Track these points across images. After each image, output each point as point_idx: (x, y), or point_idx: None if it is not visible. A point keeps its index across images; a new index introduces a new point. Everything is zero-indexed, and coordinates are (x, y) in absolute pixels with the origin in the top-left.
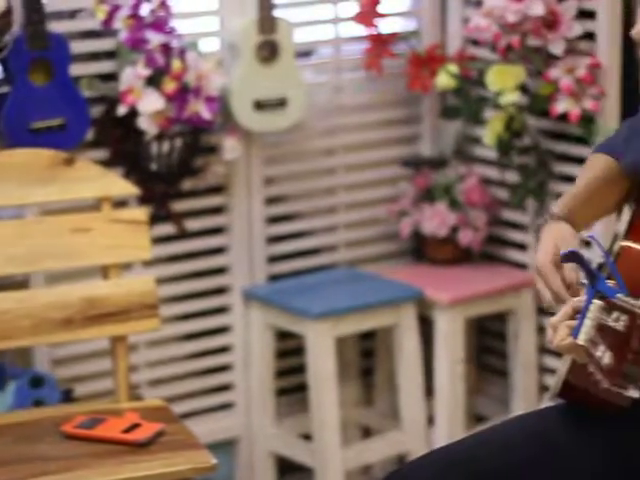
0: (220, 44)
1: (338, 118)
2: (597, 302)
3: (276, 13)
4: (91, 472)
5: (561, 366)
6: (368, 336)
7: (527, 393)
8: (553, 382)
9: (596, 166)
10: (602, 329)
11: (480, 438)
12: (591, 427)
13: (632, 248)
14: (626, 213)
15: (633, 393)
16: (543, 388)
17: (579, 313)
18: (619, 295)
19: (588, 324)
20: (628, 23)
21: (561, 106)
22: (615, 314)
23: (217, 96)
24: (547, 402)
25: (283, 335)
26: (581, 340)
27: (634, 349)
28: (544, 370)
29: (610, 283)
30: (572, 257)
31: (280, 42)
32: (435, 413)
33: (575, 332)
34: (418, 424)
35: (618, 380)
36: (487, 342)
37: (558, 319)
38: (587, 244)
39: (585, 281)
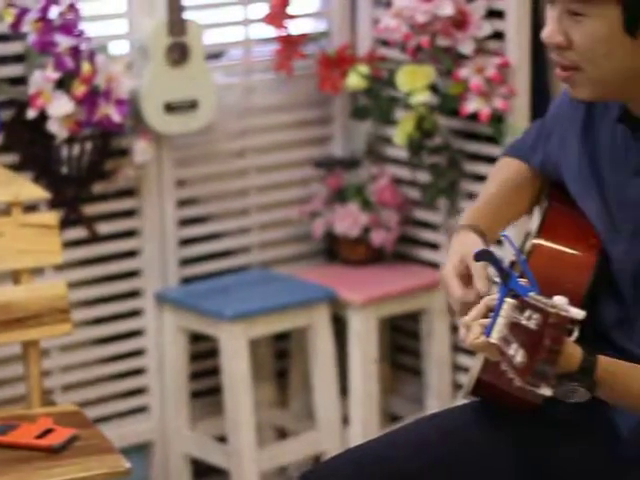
0: (129, 47)
1: (249, 119)
2: (510, 301)
3: (186, 15)
4: (4, 478)
5: (474, 364)
6: (282, 337)
7: (441, 391)
8: (466, 380)
9: (505, 172)
10: (514, 327)
11: (394, 437)
12: (504, 425)
13: (543, 246)
14: (538, 211)
15: (545, 391)
16: (457, 386)
17: (492, 311)
18: (531, 294)
19: (501, 322)
20: (537, 23)
21: (471, 106)
22: (527, 312)
23: (127, 99)
24: (461, 400)
25: (197, 338)
26: (493, 338)
27: (546, 347)
28: (458, 368)
29: (522, 281)
30: (484, 256)
31: (190, 44)
32: (350, 413)
33: (488, 330)
34: (333, 424)
35: (530, 378)
36: (401, 341)
37: (471, 317)
38: (500, 242)
39: (498, 279)
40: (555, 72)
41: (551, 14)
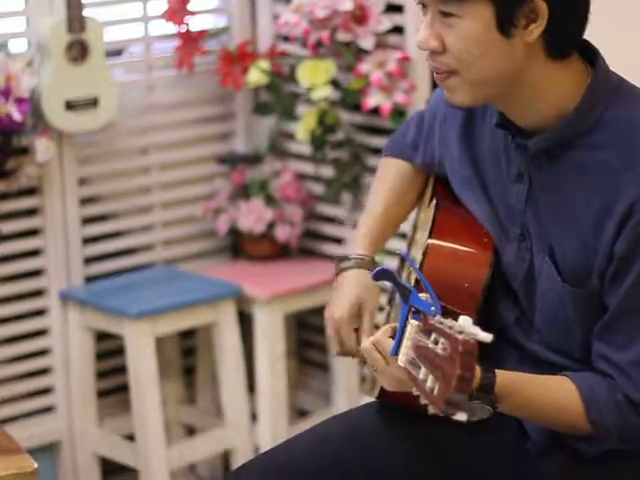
0: (29, 44)
1: (151, 116)
2: (414, 322)
3: (85, 12)
4: None
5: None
6: (188, 334)
7: (348, 386)
8: (367, 373)
9: (388, 179)
10: (421, 350)
11: (299, 442)
12: (408, 426)
13: (438, 245)
14: (431, 210)
15: (460, 417)
16: (363, 380)
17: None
18: (435, 314)
19: (407, 345)
20: None
21: (372, 100)
22: (433, 336)
23: (28, 97)
24: (365, 397)
25: (102, 336)
26: (402, 362)
27: (458, 376)
28: (364, 363)
29: (423, 296)
30: (383, 275)
31: (90, 41)
32: (258, 409)
33: (393, 350)
34: (241, 421)
35: (444, 407)
36: (308, 336)
37: (373, 340)
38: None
39: (398, 296)
40: (434, 77)
41: (424, 19)
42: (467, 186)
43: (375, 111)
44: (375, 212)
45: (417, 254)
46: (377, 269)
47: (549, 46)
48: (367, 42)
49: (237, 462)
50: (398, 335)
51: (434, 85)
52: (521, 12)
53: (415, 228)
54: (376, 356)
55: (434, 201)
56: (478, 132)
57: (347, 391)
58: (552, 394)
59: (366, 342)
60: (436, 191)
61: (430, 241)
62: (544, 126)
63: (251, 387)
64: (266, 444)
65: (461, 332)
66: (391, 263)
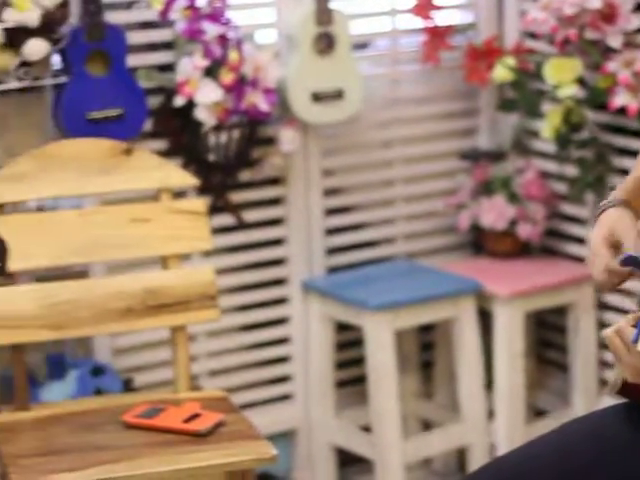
0: (277, 36)
1: (395, 110)
2: None
3: (332, 5)
4: (152, 461)
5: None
6: (427, 329)
7: (587, 388)
8: (612, 376)
9: None
10: None
11: (537, 447)
12: None
13: None
14: None
15: None
16: (603, 382)
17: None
18: None
19: None
20: None
21: (619, 100)
22: None
23: (274, 88)
24: (606, 397)
25: (342, 327)
26: None
27: None
28: (604, 365)
29: None
30: (630, 261)
31: (337, 34)
32: (495, 406)
33: (635, 337)
34: (478, 417)
35: None
36: (547, 336)
37: (618, 327)
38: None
39: None
40: None
41: None
42: None
43: (622, 111)
44: (627, 187)
45: None
46: (625, 255)
47: None
48: (615, 41)
49: (472, 459)
50: None
51: None
52: None
53: None
54: (618, 343)
55: None
56: None
57: (586, 392)
58: None
59: (608, 330)
60: None
61: None
62: None
63: (488, 384)
64: (502, 442)
65: None
66: None
